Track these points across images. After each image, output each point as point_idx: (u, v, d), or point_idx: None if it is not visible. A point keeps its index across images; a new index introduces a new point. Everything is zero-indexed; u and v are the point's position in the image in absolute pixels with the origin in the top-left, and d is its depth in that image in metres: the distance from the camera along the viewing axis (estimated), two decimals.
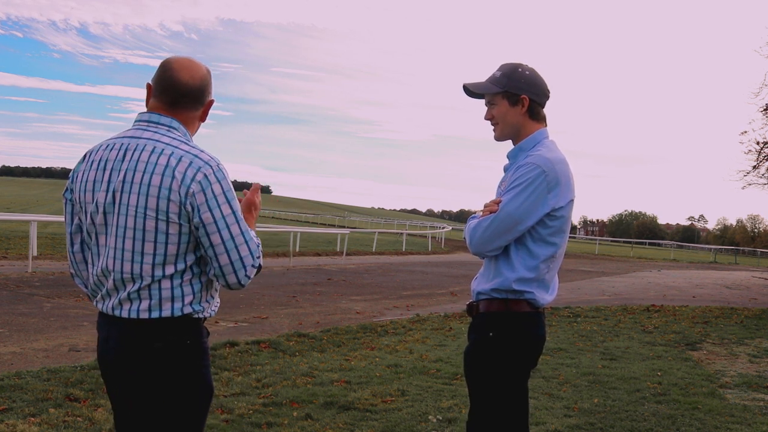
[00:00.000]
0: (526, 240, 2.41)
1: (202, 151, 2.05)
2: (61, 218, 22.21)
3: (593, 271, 23.97)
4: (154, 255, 2.00)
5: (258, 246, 2.09)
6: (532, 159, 2.42)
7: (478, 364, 2.46)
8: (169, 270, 2.02)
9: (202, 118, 2.20)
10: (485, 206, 2.46)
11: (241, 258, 2.03)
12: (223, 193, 2.00)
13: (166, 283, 2.02)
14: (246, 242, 2.04)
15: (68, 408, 4.38)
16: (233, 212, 2.02)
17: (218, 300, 2.22)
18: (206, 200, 1.98)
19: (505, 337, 2.42)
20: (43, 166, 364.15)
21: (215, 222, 1.99)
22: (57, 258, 15.61)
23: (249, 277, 2.07)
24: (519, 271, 2.40)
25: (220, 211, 2.00)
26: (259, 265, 2.10)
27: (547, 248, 2.43)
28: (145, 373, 2.04)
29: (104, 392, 4.79)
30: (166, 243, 2.00)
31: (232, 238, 2.01)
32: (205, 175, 1.99)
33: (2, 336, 6.76)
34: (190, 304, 2.05)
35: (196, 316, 2.08)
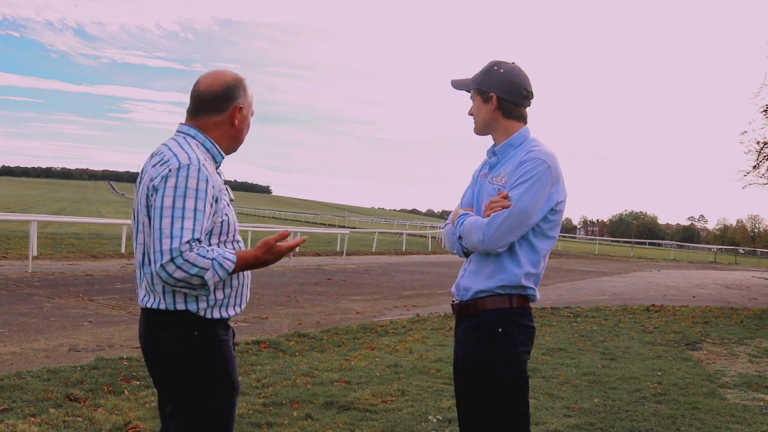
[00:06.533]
0: (528, 234, 2.43)
1: (186, 153, 2.11)
2: (61, 218, 22.35)
3: (593, 271, 23.99)
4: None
5: (190, 260, 1.98)
6: (536, 154, 2.43)
7: (489, 361, 2.44)
8: None
9: (233, 123, 2.27)
10: (492, 202, 2.43)
11: (159, 250, 1.99)
12: (175, 187, 2.03)
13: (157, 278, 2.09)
14: (170, 238, 1.98)
15: (68, 408, 4.37)
16: (173, 207, 2.01)
17: (235, 297, 2.28)
18: (161, 190, 2.05)
19: (513, 332, 2.45)
20: (43, 166, 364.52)
21: (157, 209, 2.04)
22: (57, 258, 15.61)
23: (166, 273, 1.99)
24: (525, 266, 2.43)
25: (162, 201, 2.03)
26: (180, 270, 1.98)
27: (547, 242, 2.47)
28: (158, 359, 2.19)
29: (104, 392, 4.80)
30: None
31: (161, 229, 2.00)
32: (170, 170, 2.06)
33: (2, 336, 6.76)
34: (184, 299, 2.12)
35: (195, 311, 2.14)
